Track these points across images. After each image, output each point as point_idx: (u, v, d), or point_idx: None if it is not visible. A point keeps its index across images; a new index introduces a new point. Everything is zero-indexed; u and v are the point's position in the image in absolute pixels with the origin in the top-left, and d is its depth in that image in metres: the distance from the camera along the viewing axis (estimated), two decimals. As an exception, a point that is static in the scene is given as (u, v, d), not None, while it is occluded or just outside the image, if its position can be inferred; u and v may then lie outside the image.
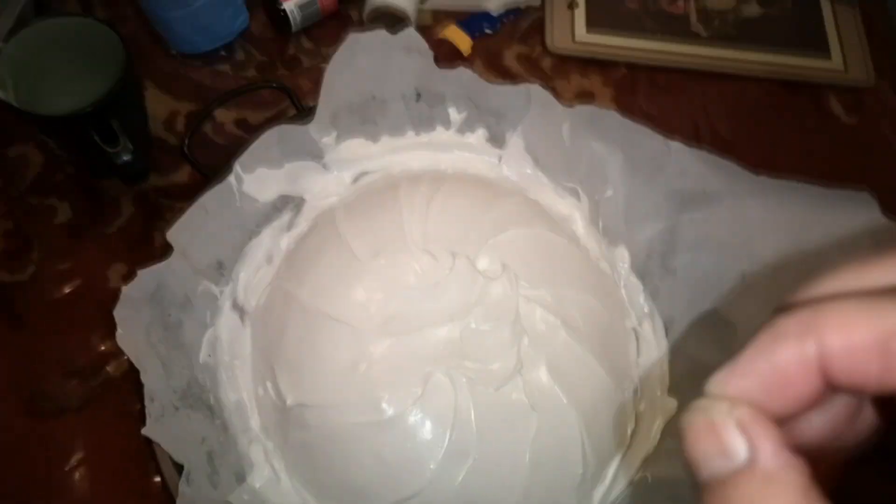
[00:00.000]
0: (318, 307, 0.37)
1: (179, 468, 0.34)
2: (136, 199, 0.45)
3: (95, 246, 0.44)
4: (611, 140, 0.42)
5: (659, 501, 0.36)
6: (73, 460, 0.39)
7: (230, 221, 0.41)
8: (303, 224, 0.43)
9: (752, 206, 0.39)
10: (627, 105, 0.55)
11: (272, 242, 0.42)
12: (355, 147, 0.44)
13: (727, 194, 0.40)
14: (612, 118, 0.42)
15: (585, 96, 0.56)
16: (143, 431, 0.33)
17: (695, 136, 0.54)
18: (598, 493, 0.38)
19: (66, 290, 0.42)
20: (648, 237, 0.43)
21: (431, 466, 0.34)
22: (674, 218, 0.42)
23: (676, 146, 0.41)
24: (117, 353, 0.34)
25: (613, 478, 0.38)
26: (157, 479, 0.36)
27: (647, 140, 0.42)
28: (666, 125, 0.41)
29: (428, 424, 0.35)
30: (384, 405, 0.35)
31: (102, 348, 0.41)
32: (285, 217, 0.43)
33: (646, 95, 0.56)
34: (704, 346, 0.40)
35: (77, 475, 0.38)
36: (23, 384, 0.40)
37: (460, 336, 0.37)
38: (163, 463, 0.35)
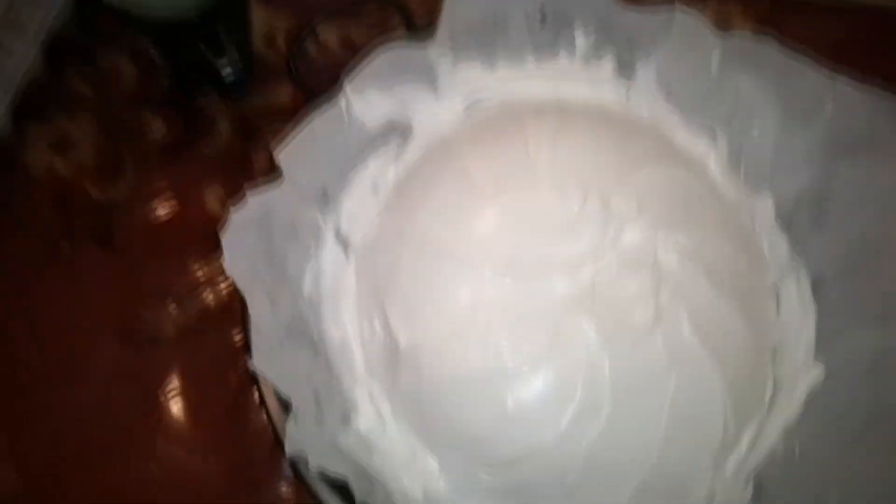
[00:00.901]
0: (435, 242, 0.34)
1: (285, 406, 0.32)
2: (234, 119, 0.42)
3: (191, 166, 0.41)
4: (765, 75, 0.37)
5: (810, 481, 0.32)
6: (171, 391, 0.37)
7: (337, 147, 0.38)
8: (413, 153, 0.39)
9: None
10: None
11: (379, 172, 0.39)
12: (471, 73, 0.40)
13: (896, 139, 0.35)
14: (771, 49, 0.37)
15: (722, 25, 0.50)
16: (251, 365, 0.31)
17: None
18: (733, 461, 0.35)
19: (161, 212, 0.40)
20: (798, 186, 0.38)
21: (561, 425, 0.31)
22: (831, 166, 0.37)
23: (843, 82, 0.36)
24: (215, 280, 0.32)
25: (750, 446, 0.35)
26: (264, 415, 0.34)
27: (808, 73, 0.37)
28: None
29: (556, 379, 0.32)
30: (507, 354, 0.32)
31: (199, 275, 0.38)
32: (392, 145, 0.39)
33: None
34: (861, 313, 0.35)
35: (174, 408, 0.37)
36: (116, 312, 0.38)
37: (592, 283, 0.33)
38: (268, 399, 0.33)
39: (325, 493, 0.32)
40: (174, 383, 0.37)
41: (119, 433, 0.36)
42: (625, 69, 0.41)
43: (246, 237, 0.33)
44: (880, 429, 0.32)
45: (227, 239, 0.32)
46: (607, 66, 0.41)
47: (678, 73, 0.40)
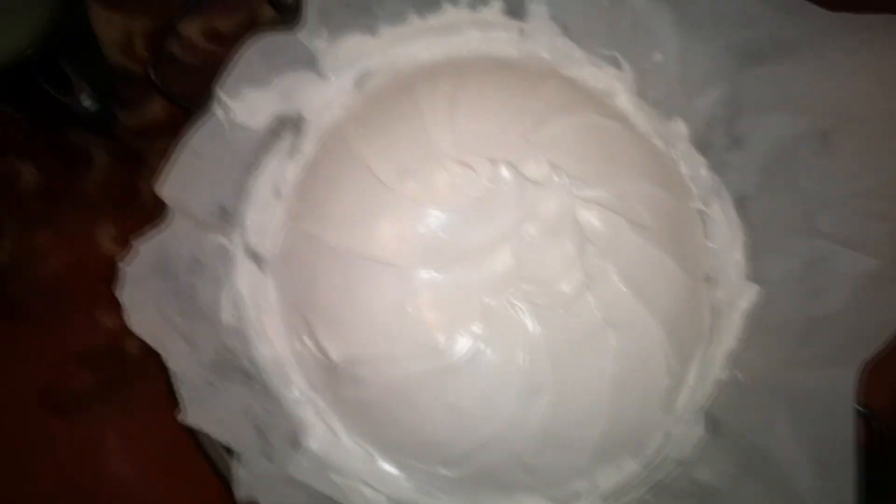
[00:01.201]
0: (349, 247, 0.32)
1: (228, 449, 0.31)
2: (111, 148, 0.38)
3: (75, 209, 0.37)
4: (658, -7, 0.35)
5: (758, 404, 0.32)
6: (110, 457, 0.35)
7: (224, 159, 0.35)
8: (308, 147, 0.37)
9: (833, 52, 0.33)
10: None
11: (277, 173, 0.36)
12: (353, 45, 0.37)
13: (802, 41, 0.34)
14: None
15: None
16: (180, 419, 0.30)
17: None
18: (682, 399, 0.35)
19: (54, 266, 0.37)
20: (709, 103, 0.37)
21: (507, 408, 0.31)
22: (737, 76, 0.36)
23: (738, -11, 0.34)
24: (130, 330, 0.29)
25: (696, 379, 0.35)
26: (202, 463, 0.33)
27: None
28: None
29: (496, 362, 0.31)
30: (443, 349, 0.31)
31: (111, 325, 0.36)
32: (286, 141, 0.37)
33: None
34: (787, 225, 0.35)
35: (117, 472, 0.35)
36: (35, 386, 0.36)
37: (515, 257, 0.32)
38: (209, 448, 0.31)
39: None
40: (113, 447, 0.35)
41: None
42: (515, 11, 0.38)
43: (145, 288, 0.30)
44: (813, 342, 0.32)
45: (124, 296, 0.30)
46: (496, 7, 0.38)
47: (569, 4, 0.37)
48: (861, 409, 0.29)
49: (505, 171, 0.33)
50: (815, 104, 0.34)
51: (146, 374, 0.32)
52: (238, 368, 0.34)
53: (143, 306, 0.30)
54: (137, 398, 0.36)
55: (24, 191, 0.38)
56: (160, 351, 0.30)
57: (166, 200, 0.31)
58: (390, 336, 0.32)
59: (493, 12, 0.38)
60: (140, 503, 0.35)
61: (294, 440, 0.33)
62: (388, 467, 0.33)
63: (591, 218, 0.33)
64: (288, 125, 0.37)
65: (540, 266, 0.32)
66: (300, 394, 0.34)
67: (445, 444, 0.32)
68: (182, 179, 0.32)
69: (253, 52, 0.33)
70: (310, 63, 0.36)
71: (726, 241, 0.37)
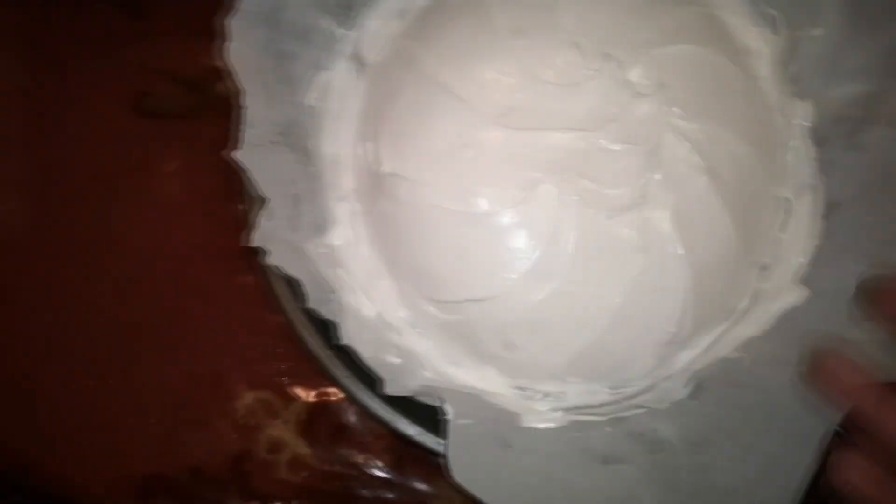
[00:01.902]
0: (439, 77, 0.33)
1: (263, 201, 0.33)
2: None
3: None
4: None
5: (744, 387, 0.32)
6: (169, 168, 0.39)
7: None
8: (446, -18, 0.37)
9: None
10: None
11: (408, -4, 0.38)
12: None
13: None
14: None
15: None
16: (235, 154, 0.32)
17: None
18: (684, 357, 0.35)
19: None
20: (847, 97, 0.35)
21: (512, 277, 0.32)
22: (887, 81, 0.33)
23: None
24: (229, 72, 0.32)
25: (707, 348, 0.35)
26: (241, 206, 0.36)
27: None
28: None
29: (520, 234, 0.32)
30: (481, 200, 0.32)
31: (216, 63, 0.39)
32: (430, -29, 0.38)
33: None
34: (864, 245, 0.33)
35: (166, 183, 0.39)
36: (134, 81, 0.40)
37: (585, 149, 0.32)
38: (249, 191, 0.34)
39: (279, 287, 0.34)
40: (174, 162, 0.39)
41: (119, 188, 0.40)
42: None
43: (254, 27, 0.33)
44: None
45: (233, 23, 0.32)
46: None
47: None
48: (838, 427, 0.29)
49: (612, 68, 0.32)
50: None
51: (224, 112, 0.35)
52: (301, 146, 0.36)
53: (243, 41, 0.32)
54: (208, 128, 0.38)
55: None
56: (242, 86, 0.32)
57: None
58: (439, 168, 0.33)
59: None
60: (177, 217, 0.39)
61: (320, 227, 0.35)
62: (389, 287, 0.35)
63: (674, 148, 0.32)
64: (438, -43, 0.38)
65: (604, 167, 0.32)
66: (344, 194, 0.36)
67: (444, 286, 0.33)
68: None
69: None
70: None
71: (800, 238, 0.35)
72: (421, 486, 0.37)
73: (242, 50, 0.32)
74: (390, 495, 0.36)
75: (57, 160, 0.40)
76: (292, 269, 0.32)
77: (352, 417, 0.37)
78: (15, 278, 0.40)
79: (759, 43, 0.37)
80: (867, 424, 0.27)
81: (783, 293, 0.35)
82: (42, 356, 0.39)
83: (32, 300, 0.40)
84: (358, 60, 0.37)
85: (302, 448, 0.37)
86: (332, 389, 0.37)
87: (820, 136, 0.36)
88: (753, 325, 0.35)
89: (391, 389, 0.31)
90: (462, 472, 0.30)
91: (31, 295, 0.40)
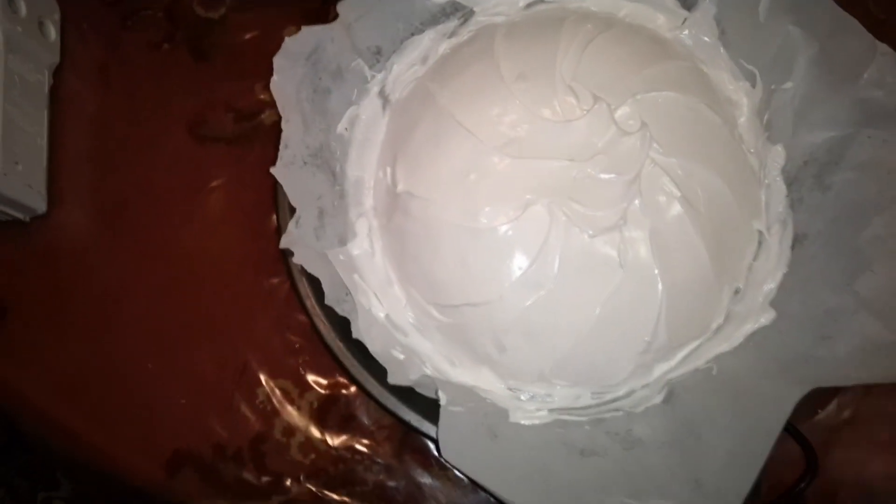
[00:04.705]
0: (452, 112, 0.39)
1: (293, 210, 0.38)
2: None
3: (278, 8, 0.47)
4: (812, 27, 0.38)
5: (713, 392, 0.35)
6: (215, 185, 0.45)
7: (399, 12, 0.42)
8: (464, 34, 0.43)
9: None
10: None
11: (431, 45, 0.43)
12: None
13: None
14: (823, 3, 0.38)
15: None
16: (272, 170, 0.37)
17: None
18: (661, 369, 0.38)
19: (246, 37, 0.47)
20: (814, 143, 0.39)
21: (505, 284, 0.36)
22: (851, 130, 0.38)
23: (884, 51, 0.36)
24: (273, 104, 0.38)
25: (681, 361, 0.38)
26: (274, 218, 0.41)
27: (853, 37, 0.37)
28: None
29: (514, 247, 0.36)
30: (481, 216, 0.37)
31: (262, 97, 0.45)
32: (451, 24, 0.44)
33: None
34: (828, 274, 0.37)
35: (211, 197, 0.45)
36: (188, 110, 0.46)
37: (574, 176, 0.37)
38: (281, 207, 0.39)
39: (305, 287, 0.39)
40: (219, 175, 0.45)
41: (170, 201, 0.46)
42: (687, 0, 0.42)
43: (295, 64, 0.39)
44: (794, 370, 0.34)
45: (278, 61, 0.38)
46: (673, -7, 0.43)
47: (734, 10, 0.41)
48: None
49: (601, 108, 0.37)
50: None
51: (268, 141, 0.41)
52: (330, 168, 0.41)
53: (286, 77, 0.38)
54: (252, 153, 0.45)
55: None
56: (282, 113, 0.38)
57: (339, 13, 0.39)
58: (447, 188, 0.37)
59: (671, -6, 0.43)
60: (219, 227, 0.45)
61: (342, 238, 0.40)
62: (398, 292, 0.40)
63: (653, 179, 0.37)
64: (459, 12, 0.43)
65: (590, 192, 0.36)
66: (364, 211, 0.41)
67: (445, 291, 0.38)
68: (359, 5, 0.40)
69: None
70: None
71: (771, 267, 0.39)
72: (419, 474, 0.40)
73: (285, 83, 0.38)
74: (390, 482, 0.40)
75: (120, 176, 0.47)
76: (314, 269, 0.37)
77: (360, 409, 0.41)
78: (79, 281, 0.45)
79: (738, 95, 0.42)
80: None
81: (753, 314, 0.38)
82: (95, 346, 0.44)
83: (91, 300, 0.45)
84: (384, 97, 0.43)
85: (313, 433, 0.41)
86: (343, 381, 0.41)
87: (790, 177, 0.40)
88: (725, 341, 0.38)
89: (394, 380, 0.36)
90: (452, 453, 0.34)
91: (91, 295, 0.45)
